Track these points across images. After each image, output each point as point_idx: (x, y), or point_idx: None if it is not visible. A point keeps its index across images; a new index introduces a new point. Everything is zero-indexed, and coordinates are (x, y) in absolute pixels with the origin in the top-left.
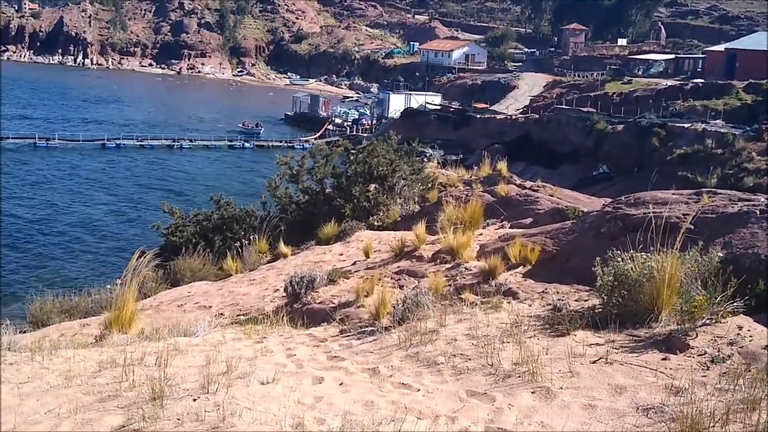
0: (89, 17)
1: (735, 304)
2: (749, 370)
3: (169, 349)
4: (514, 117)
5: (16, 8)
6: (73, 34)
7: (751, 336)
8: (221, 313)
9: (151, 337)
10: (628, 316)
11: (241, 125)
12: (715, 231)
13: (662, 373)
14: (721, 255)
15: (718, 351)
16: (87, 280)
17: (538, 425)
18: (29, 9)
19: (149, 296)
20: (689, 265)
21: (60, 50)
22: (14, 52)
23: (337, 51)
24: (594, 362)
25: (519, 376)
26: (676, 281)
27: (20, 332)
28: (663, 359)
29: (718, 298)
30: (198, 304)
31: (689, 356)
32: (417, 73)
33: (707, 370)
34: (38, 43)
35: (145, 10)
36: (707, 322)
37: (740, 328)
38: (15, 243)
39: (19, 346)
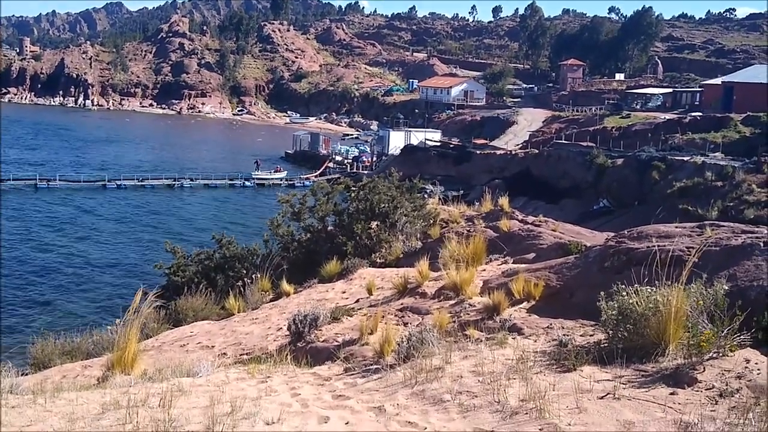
0: (90, 59)
1: (741, 337)
2: (758, 404)
3: (173, 390)
4: (513, 152)
5: (18, 51)
6: (74, 75)
7: (758, 369)
8: (224, 353)
9: (154, 378)
10: (635, 350)
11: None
12: (719, 264)
13: (671, 408)
14: (727, 288)
15: (727, 385)
16: (88, 321)
17: None
18: (30, 52)
19: (151, 336)
20: (695, 299)
21: (61, 92)
22: (15, 94)
23: (337, 89)
24: (602, 398)
25: (526, 413)
26: (682, 315)
27: (22, 374)
28: (671, 394)
29: (725, 332)
30: (200, 344)
31: (697, 390)
32: (416, 110)
33: (716, 404)
34: (39, 85)
35: (145, 51)
36: (714, 355)
37: (747, 361)
38: (14, 284)
39: (22, 388)
